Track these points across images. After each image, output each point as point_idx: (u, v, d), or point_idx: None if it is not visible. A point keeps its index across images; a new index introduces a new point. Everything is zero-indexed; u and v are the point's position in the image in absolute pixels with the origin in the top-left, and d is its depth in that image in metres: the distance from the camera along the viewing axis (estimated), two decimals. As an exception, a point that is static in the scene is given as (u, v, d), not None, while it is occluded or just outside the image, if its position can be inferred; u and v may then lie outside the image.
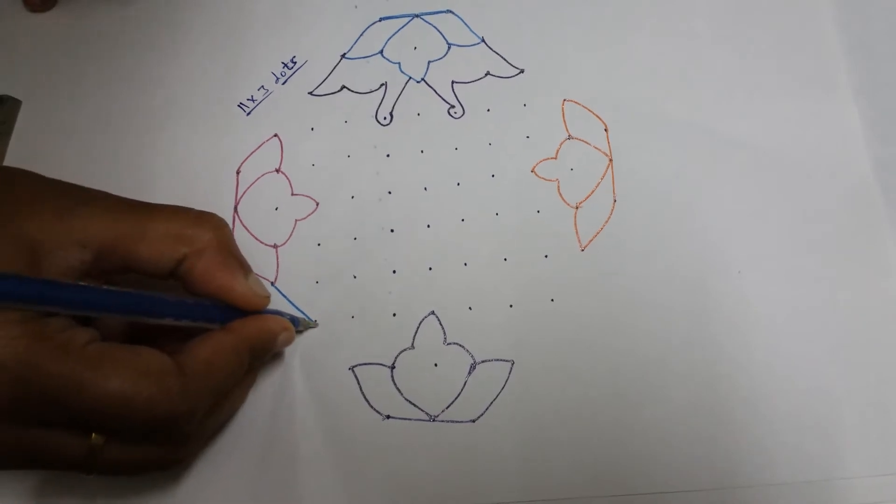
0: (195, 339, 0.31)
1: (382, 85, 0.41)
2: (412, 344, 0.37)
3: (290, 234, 0.39)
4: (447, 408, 0.36)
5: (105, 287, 0.29)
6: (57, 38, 0.44)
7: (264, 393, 0.36)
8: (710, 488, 0.34)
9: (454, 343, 0.37)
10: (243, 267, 0.33)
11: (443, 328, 0.37)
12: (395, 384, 0.36)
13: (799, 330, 0.36)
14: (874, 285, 0.37)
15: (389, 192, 0.39)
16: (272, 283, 0.38)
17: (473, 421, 0.35)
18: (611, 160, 0.39)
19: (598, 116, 0.40)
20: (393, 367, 0.36)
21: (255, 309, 0.33)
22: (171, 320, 0.30)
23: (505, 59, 0.41)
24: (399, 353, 0.37)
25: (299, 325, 0.36)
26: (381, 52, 0.42)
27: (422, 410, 0.36)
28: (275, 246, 0.39)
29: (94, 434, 0.29)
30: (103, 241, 0.30)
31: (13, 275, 0.26)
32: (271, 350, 0.34)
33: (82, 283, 0.29)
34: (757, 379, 0.35)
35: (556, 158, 0.39)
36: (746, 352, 0.36)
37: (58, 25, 0.44)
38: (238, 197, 0.40)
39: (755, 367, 0.35)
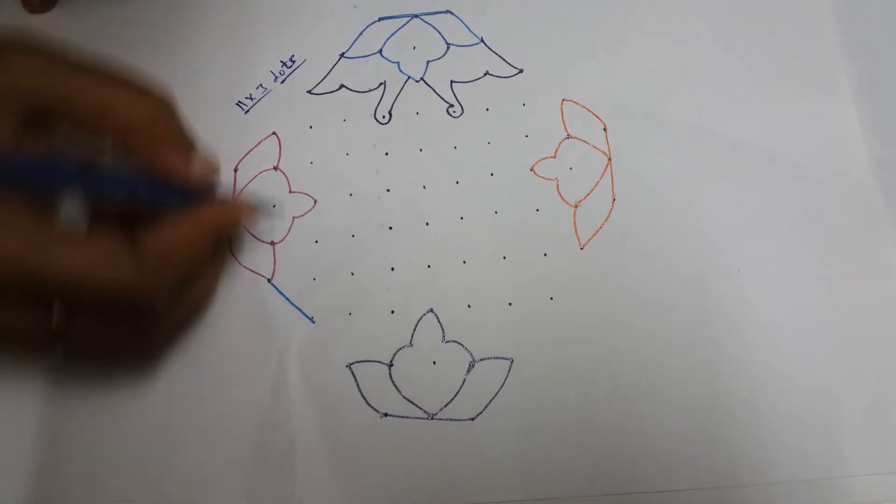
0: (158, 222, 0.31)
1: (381, 84, 0.41)
2: (410, 342, 0.36)
3: (288, 232, 0.39)
4: (445, 406, 0.35)
5: (58, 160, 0.29)
6: (56, 38, 0.44)
7: (260, 390, 0.36)
8: (709, 487, 0.34)
9: (453, 341, 0.36)
10: (184, 145, 0.33)
11: (441, 326, 0.37)
12: (393, 382, 0.36)
13: (799, 329, 0.36)
14: (874, 285, 0.37)
15: (388, 190, 0.39)
16: (269, 280, 0.38)
17: (472, 419, 0.35)
18: (610, 159, 0.39)
19: (597, 116, 0.40)
20: (391, 365, 0.36)
21: (203, 185, 0.33)
22: (124, 201, 0.31)
23: (504, 59, 0.41)
24: (397, 351, 0.36)
25: (263, 208, 0.36)
26: (380, 51, 0.42)
27: (420, 408, 0.35)
28: (272, 243, 0.38)
29: (55, 313, 0.29)
30: (36, 99, 0.29)
31: None
32: (230, 233, 0.35)
33: (21, 156, 0.29)
34: (757, 378, 0.35)
35: (555, 157, 0.39)
36: (746, 350, 0.36)
37: (57, 26, 0.44)
38: (236, 194, 0.39)
39: (755, 365, 0.35)
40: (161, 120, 0.32)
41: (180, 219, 0.32)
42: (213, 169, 0.34)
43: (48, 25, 0.45)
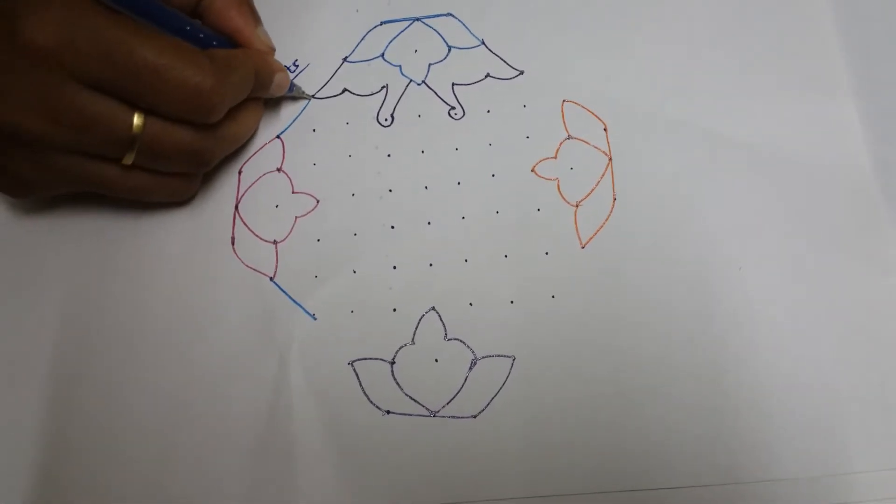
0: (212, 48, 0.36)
1: (384, 87, 0.42)
2: (412, 339, 0.37)
3: (290, 231, 0.39)
4: (448, 403, 0.35)
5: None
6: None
7: (262, 388, 0.36)
8: (712, 484, 0.34)
9: (455, 339, 0.36)
10: (254, 15, 0.39)
11: (443, 324, 0.37)
12: (395, 379, 0.36)
13: (801, 327, 0.36)
14: (875, 283, 0.37)
15: (390, 191, 0.39)
16: (271, 279, 0.38)
17: (474, 416, 0.35)
18: (610, 159, 0.39)
19: (597, 116, 0.40)
20: (393, 363, 0.36)
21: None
22: (188, 39, 0.35)
23: (505, 61, 0.42)
24: (399, 349, 0.36)
25: (294, 89, 0.41)
26: (383, 55, 0.42)
27: (422, 406, 0.36)
28: (274, 242, 0.39)
29: (136, 113, 0.33)
30: None
31: None
32: (269, 83, 0.39)
33: None
34: (759, 375, 0.35)
35: (555, 158, 0.40)
36: (748, 348, 0.36)
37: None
38: (239, 196, 0.40)
39: (757, 363, 0.35)
40: None
41: (235, 49, 0.37)
42: (273, 46, 0.40)
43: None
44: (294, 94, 0.41)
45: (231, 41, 0.38)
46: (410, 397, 0.36)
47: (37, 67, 0.30)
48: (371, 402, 0.36)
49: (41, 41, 0.30)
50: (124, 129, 0.33)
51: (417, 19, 0.43)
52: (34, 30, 0.30)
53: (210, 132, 0.36)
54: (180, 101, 0.33)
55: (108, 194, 0.36)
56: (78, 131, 0.32)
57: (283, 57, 0.42)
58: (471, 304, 0.37)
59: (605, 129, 0.40)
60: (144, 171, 0.35)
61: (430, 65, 0.42)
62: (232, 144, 0.38)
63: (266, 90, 0.39)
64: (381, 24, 0.43)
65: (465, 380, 0.36)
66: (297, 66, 0.43)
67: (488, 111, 0.41)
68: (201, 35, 0.36)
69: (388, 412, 0.35)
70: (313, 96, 0.42)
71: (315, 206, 0.39)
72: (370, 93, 0.42)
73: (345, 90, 0.42)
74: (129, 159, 0.34)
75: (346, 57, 0.43)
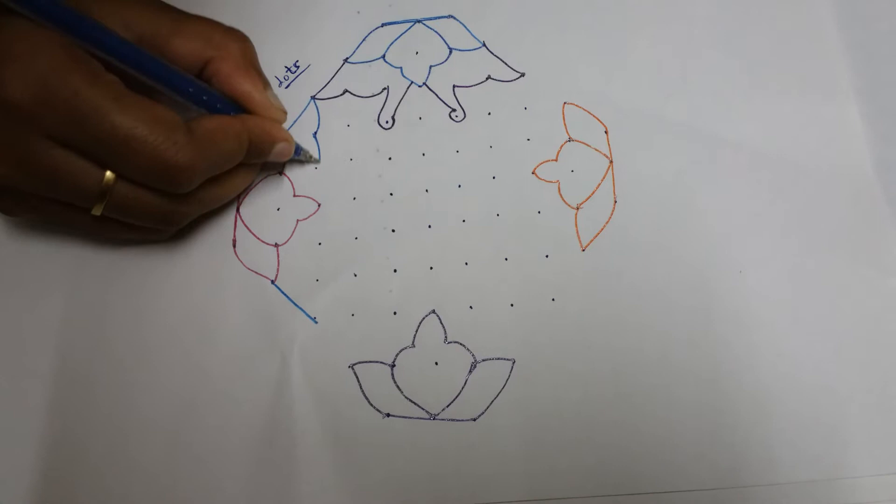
0: (203, 114, 0.35)
1: (384, 89, 0.42)
2: (413, 342, 0.37)
3: (292, 234, 0.39)
4: (448, 406, 0.36)
5: (143, 49, 0.33)
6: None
7: (263, 390, 0.36)
8: (713, 487, 0.34)
9: (455, 342, 0.36)
10: (262, 79, 0.37)
11: (443, 327, 0.37)
12: (395, 383, 0.36)
13: (801, 330, 0.36)
14: (877, 284, 0.37)
15: (391, 194, 0.39)
16: (272, 282, 0.38)
17: (474, 419, 0.35)
18: (611, 162, 0.39)
19: (598, 119, 0.40)
20: (393, 366, 0.36)
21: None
22: (191, 101, 0.34)
23: (506, 63, 0.42)
24: (399, 352, 0.36)
25: (301, 153, 0.39)
26: (384, 56, 0.42)
27: (422, 409, 0.36)
28: (276, 245, 0.39)
29: (107, 171, 0.32)
30: (144, 29, 0.33)
31: (65, 6, 0.30)
32: (267, 152, 0.37)
33: (123, 38, 0.32)
34: (760, 378, 0.35)
35: (556, 160, 0.40)
36: (749, 351, 0.36)
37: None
38: (240, 198, 0.40)
39: (758, 366, 0.35)
40: (246, 52, 0.36)
41: (228, 119, 0.35)
42: (283, 109, 0.38)
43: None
44: (300, 158, 0.40)
45: (238, 106, 0.36)
46: (410, 400, 0.36)
47: (9, 120, 0.30)
48: (371, 404, 0.36)
49: (17, 97, 0.29)
50: (93, 186, 0.32)
51: (418, 21, 0.43)
52: (11, 84, 0.29)
53: (184, 197, 0.34)
54: (150, 173, 0.32)
55: (80, 233, 0.36)
56: (46, 184, 0.32)
57: (284, 58, 0.42)
58: (471, 307, 0.37)
59: (605, 132, 0.40)
60: (116, 220, 0.35)
61: (431, 67, 0.42)
62: (211, 206, 0.37)
63: (263, 158, 0.37)
64: (383, 25, 0.43)
65: (465, 382, 0.36)
66: (297, 67, 0.43)
67: (489, 113, 0.41)
68: (205, 97, 0.35)
69: (389, 415, 0.36)
70: (315, 97, 0.42)
71: (316, 210, 0.39)
72: (371, 94, 0.42)
73: (346, 91, 0.42)
74: (97, 211, 0.33)
75: (347, 58, 0.43)
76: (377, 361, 0.36)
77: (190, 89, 0.34)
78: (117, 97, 0.31)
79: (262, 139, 0.36)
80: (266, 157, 0.37)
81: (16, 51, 0.30)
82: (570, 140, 0.40)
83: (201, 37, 0.35)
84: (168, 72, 0.33)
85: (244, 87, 0.36)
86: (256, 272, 0.38)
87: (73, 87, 0.30)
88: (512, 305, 0.37)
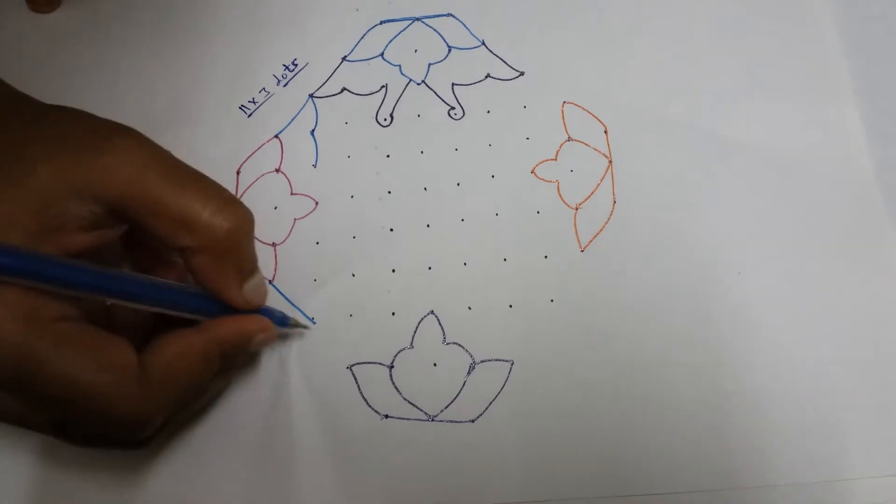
0: (163, 336, 0.29)
1: (383, 87, 0.42)
2: (411, 343, 0.36)
3: (289, 233, 0.39)
4: (446, 408, 0.35)
5: (91, 268, 0.27)
6: (60, 38, 0.44)
7: (261, 392, 0.36)
8: (711, 489, 0.34)
9: (453, 343, 0.36)
10: (242, 273, 0.31)
11: (442, 328, 0.37)
12: (393, 384, 0.36)
13: (801, 331, 0.36)
14: (876, 286, 0.37)
15: (389, 192, 0.39)
16: (270, 282, 0.38)
17: (472, 421, 0.35)
18: (610, 162, 0.39)
19: (597, 118, 0.40)
20: (392, 367, 0.36)
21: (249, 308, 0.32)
22: (158, 308, 0.30)
23: (505, 62, 0.42)
24: (398, 353, 0.36)
25: (290, 322, 0.35)
26: (382, 54, 0.42)
27: (420, 410, 0.35)
28: (273, 244, 0.38)
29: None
30: (115, 201, 0.28)
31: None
32: (244, 352, 0.32)
33: (67, 261, 0.27)
34: (759, 380, 0.35)
35: (555, 160, 0.39)
36: (748, 353, 0.36)
37: (61, 26, 0.45)
38: (238, 197, 0.39)
39: (756, 368, 0.35)
40: (234, 235, 0.30)
41: (191, 337, 0.30)
42: (261, 301, 0.33)
43: (53, 25, 0.45)
44: (290, 327, 0.36)
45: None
46: (409, 401, 0.36)
47: None
48: (369, 406, 0.36)
49: None
50: (42, 425, 0.29)
51: (417, 19, 0.43)
52: None
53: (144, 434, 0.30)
54: (98, 428, 0.28)
55: None
56: None
57: (282, 56, 0.42)
58: (469, 308, 0.37)
59: (605, 132, 0.40)
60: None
61: (429, 65, 0.42)
62: (178, 423, 0.34)
63: (240, 357, 0.33)
64: (381, 23, 0.43)
65: (464, 384, 0.36)
66: (296, 65, 0.42)
67: (488, 112, 0.41)
68: (172, 304, 0.30)
69: (387, 416, 0.35)
70: (313, 95, 0.41)
71: (314, 208, 0.39)
72: (369, 92, 0.42)
73: (344, 89, 0.42)
74: (54, 439, 0.30)
75: (346, 56, 0.42)
76: (375, 363, 0.36)
77: (155, 302, 0.30)
78: (57, 342, 0.26)
79: (235, 342, 0.31)
80: (243, 354, 0.33)
81: None
82: (569, 139, 0.40)
83: (180, 220, 0.29)
84: (129, 289, 0.29)
85: (216, 283, 0.30)
86: None
87: (4, 341, 0.25)
88: (510, 306, 0.37)
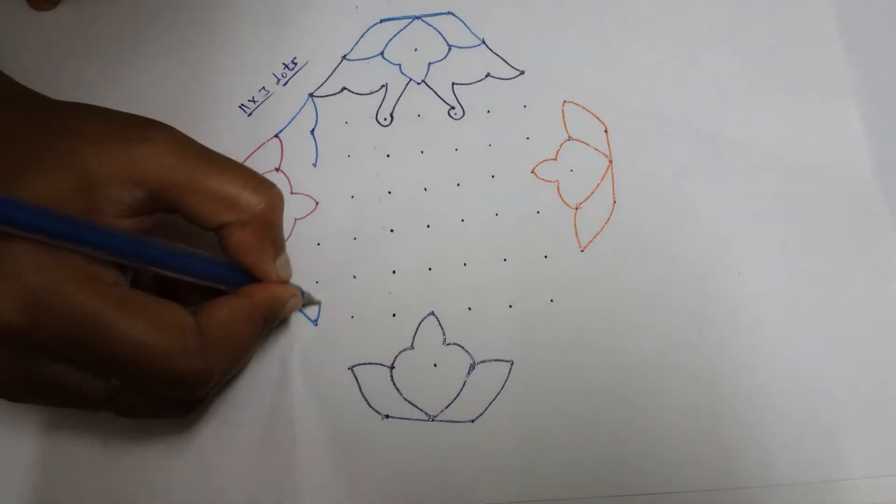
0: (211, 302, 0.31)
1: (383, 86, 0.42)
2: (412, 344, 0.37)
3: (290, 234, 0.39)
4: (446, 408, 0.36)
5: (139, 237, 0.29)
6: (60, 36, 0.44)
7: (262, 392, 0.36)
8: (710, 489, 0.34)
9: (453, 343, 0.36)
10: (276, 248, 0.33)
11: (442, 328, 0.37)
12: (394, 384, 0.36)
13: (800, 331, 0.36)
14: (876, 286, 0.36)
15: (389, 193, 0.39)
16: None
17: (473, 421, 0.35)
18: (611, 161, 0.39)
19: (597, 118, 0.40)
20: (392, 367, 0.36)
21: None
22: (196, 279, 0.31)
23: (505, 61, 0.41)
24: (398, 354, 0.36)
25: (305, 296, 0.36)
26: (382, 53, 0.42)
27: (421, 410, 0.36)
28: (274, 245, 0.39)
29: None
30: (158, 185, 0.30)
31: (42, 210, 0.26)
32: (280, 316, 0.34)
33: (118, 230, 0.29)
34: (758, 379, 0.35)
35: (555, 160, 0.39)
36: (747, 352, 0.36)
37: (61, 24, 0.45)
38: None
39: (756, 367, 0.35)
40: (270, 213, 0.32)
41: (238, 302, 0.32)
42: (290, 270, 0.35)
43: (53, 23, 0.45)
44: (306, 302, 0.37)
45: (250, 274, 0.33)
46: (409, 402, 0.36)
47: (3, 342, 0.27)
48: (370, 406, 0.36)
49: (9, 319, 0.26)
50: (98, 397, 0.30)
51: (417, 17, 0.43)
52: (4, 306, 0.26)
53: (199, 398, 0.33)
54: (162, 386, 0.29)
55: None
56: (48, 397, 0.30)
57: (281, 55, 0.42)
58: (469, 309, 0.37)
59: (605, 131, 0.40)
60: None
61: (429, 64, 0.42)
62: (223, 388, 0.36)
63: (275, 322, 0.35)
64: (381, 21, 0.43)
65: (464, 384, 0.36)
66: (295, 64, 0.42)
67: (488, 111, 0.41)
68: (212, 275, 0.32)
69: (388, 416, 0.36)
70: (312, 94, 0.41)
71: (314, 209, 0.39)
72: (369, 91, 0.42)
73: (343, 88, 0.42)
74: (105, 415, 0.31)
75: (346, 55, 0.42)
76: (376, 363, 0.36)
77: (196, 273, 0.31)
78: (118, 304, 0.27)
79: (273, 306, 0.33)
80: (278, 320, 0.35)
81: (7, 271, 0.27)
82: (569, 139, 0.40)
83: (221, 198, 0.31)
84: (174, 259, 0.30)
85: (254, 259, 0.32)
86: None
87: (73, 305, 0.27)
88: (510, 307, 0.37)
